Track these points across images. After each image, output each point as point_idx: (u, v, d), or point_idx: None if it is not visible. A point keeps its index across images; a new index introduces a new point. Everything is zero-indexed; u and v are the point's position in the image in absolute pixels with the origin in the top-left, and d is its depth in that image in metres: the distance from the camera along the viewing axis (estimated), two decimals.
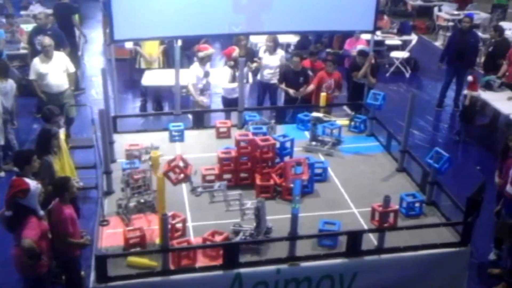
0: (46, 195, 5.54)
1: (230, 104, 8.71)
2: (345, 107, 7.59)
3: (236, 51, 9.06)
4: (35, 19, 10.80)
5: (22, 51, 11.50)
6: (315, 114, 6.81)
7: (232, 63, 8.93)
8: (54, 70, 8.80)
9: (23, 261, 5.11)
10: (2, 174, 8.47)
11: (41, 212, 5.23)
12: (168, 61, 11.14)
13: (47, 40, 8.88)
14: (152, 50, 10.71)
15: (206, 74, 8.69)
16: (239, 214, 5.09)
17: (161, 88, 10.49)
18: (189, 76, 8.57)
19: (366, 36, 11.34)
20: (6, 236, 5.35)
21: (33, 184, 5.20)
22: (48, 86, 8.82)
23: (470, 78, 9.92)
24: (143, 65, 10.80)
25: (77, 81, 9.36)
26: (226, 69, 9.12)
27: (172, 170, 5.04)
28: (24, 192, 5.10)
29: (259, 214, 4.89)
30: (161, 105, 10.89)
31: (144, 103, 10.88)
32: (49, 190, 5.70)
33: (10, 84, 8.53)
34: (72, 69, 9.09)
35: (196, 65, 8.76)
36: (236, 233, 5.01)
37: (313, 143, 6.70)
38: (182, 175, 5.04)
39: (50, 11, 12.45)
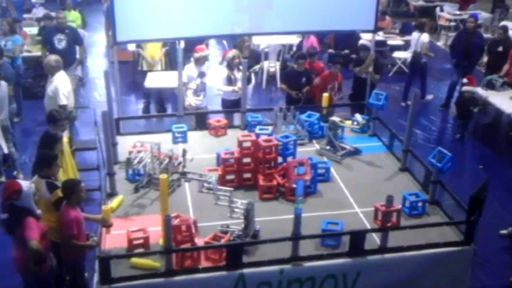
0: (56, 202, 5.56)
1: (229, 106, 8.71)
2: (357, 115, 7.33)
3: (230, 53, 9.00)
4: (56, 19, 10.79)
5: (26, 54, 11.55)
6: (332, 118, 6.68)
7: (224, 62, 8.90)
8: (48, 91, 8.13)
9: (28, 265, 5.09)
10: (3, 179, 8.41)
11: (38, 211, 5.16)
12: (170, 62, 11.19)
13: (50, 58, 8.27)
14: (154, 52, 10.75)
15: (201, 75, 8.67)
16: (228, 212, 5.14)
17: (164, 90, 10.53)
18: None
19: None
20: (5, 237, 5.34)
21: (25, 184, 5.15)
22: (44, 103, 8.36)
23: (465, 80, 10.04)
24: (145, 67, 10.85)
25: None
26: (222, 69, 9.03)
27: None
28: (17, 193, 5.02)
29: (248, 216, 4.90)
30: (164, 107, 10.91)
31: (147, 105, 10.91)
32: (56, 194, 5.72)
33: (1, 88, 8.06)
34: (62, 101, 7.94)
35: (191, 65, 8.75)
36: (224, 233, 5.00)
37: (328, 147, 6.60)
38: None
39: (53, 14, 12.52)
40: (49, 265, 5.30)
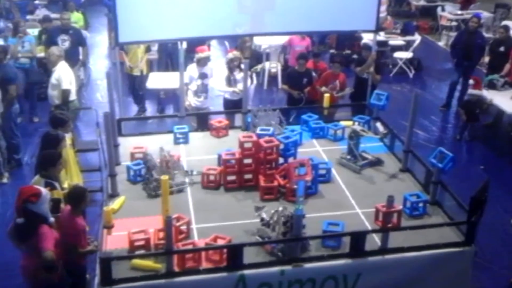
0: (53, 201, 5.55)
1: (230, 105, 8.70)
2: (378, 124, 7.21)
3: (229, 54, 8.96)
4: (60, 19, 10.88)
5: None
6: (353, 126, 6.54)
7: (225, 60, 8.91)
8: (52, 79, 8.49)
9: (38, 273, 5.02)
10: (5, 180, 8.43)
11: (51, 219, 5.12)
12: (172, 63, 11.19)
13: (51, 50, 8.67)
14: (133, 57, 10.34)
15: (202, 76, 8.66)
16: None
17: (160, 90, 10.58)
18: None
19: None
20: (5, 240, 5.34)
21: (43, 189, 5.11)
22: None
23: (471, 81, 10.05)
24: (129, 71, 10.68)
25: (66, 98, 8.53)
26: (224, 68, 9.04)
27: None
28: (36, 196, 4.96)
29: (288, 223, 4.82)
30: (160, 107, 10.90)
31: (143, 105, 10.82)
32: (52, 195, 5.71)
33: None
34: (66, 86, 8.40)
35: (193, 65, 8.75)
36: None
37: (348, 156, 6.44)
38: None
39: (55, 15, 12.56)
40: (61, 273, 5.21)
